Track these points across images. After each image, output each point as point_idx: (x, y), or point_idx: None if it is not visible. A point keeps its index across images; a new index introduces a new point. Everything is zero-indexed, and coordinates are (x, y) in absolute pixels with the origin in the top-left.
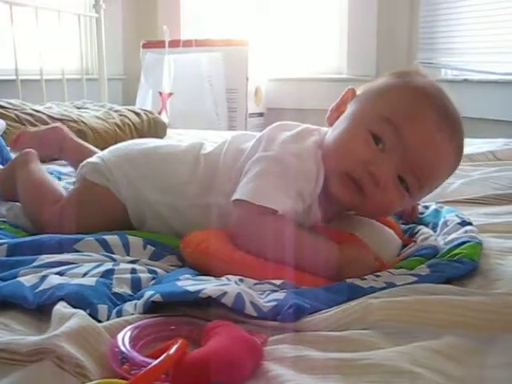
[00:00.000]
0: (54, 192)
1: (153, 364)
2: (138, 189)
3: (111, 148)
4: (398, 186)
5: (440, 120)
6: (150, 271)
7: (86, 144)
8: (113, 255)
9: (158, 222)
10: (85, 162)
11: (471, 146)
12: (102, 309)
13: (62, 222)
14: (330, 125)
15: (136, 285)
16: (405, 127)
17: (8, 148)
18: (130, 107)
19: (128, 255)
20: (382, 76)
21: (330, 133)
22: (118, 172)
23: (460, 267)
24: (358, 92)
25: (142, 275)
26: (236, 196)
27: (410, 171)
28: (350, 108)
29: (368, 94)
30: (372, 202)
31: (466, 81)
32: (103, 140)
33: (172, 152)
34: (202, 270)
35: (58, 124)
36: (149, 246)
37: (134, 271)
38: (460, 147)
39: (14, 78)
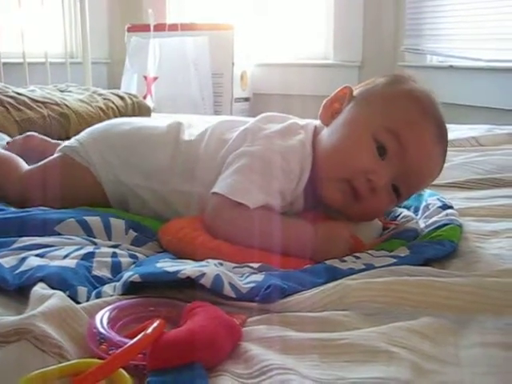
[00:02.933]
0: (19, 163)
1: (129, 343)
2: (117, 173)
3: (88, 129)
4: (391, 193)
5: (438, 134)
6: (131, 256)
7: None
8: (94, 239)
9: (139, 205)
10: (62, 145)
11: (455, 131)
12: (82, 291)
13: (32, 188)
14: (325, 123)
15: (116, 268)
16: (410, 142)
17: None
18: (114, 91)
19: (109, 239)
20: (379, 78)
21: (328, 135)
22: (96, 156)
23: (440, 249)
24: (355, 92)
25: (122, 259)
26: (214, 189)
27: (406, 181)
28: (351, 111)
29: (370, 100)
30: (362, 206)
31: (451, 67)
32: (87, 123)
33: (151, 134)
34: (180, 257)
35: (30, 133)
36: (131, 231)
37: (114, 255)
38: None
39: None
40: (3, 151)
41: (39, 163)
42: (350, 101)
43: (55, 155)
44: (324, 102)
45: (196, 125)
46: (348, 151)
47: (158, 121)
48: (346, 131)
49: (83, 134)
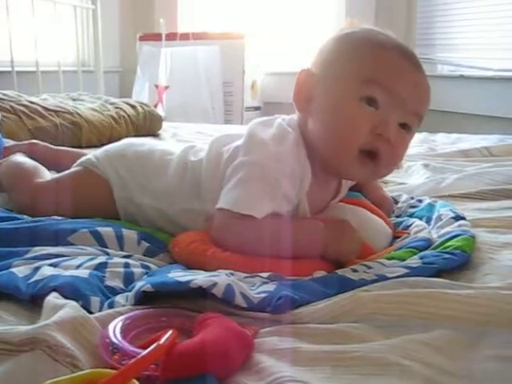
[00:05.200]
0: (38, 171)
1: (142, 354)
2: (129, 191)
3: (105, 147)
4: (402, 133)
5: (410, 63)
6: (143, 266)
7: (66, 149)
8: (107, 249)
9: (148, 224)
10: (81, 159)
11: (466, 142)
12: (95, 300)
13: (45, 199)
14: (304, 111)
15: (129, 279)
16: (390, 80)
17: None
18: (125, 100)
19: (122, 249)
20: (327, 39)
21: (317, 122)
22: (111, 172)
23: (452, 259)
24: (314, 69)
25: (135, 270)
26: (219, 205)
27: (408, 111)
28: (322, 88)
29: (336, 65)
30: (384, 164)
31: (461, 77)
32: (98, 132)
33: (164, 158)
34: (192, 269)
35: (33, 140)
36: (143, 242)
37: (127, 265)
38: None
39: (9, 69)
40: (24, 159)
41: (54, 176)
42: (315, 81)
43: (72, 169)
44: (292, 95)
45: (210, 136)
46: (346, 121)
47: (175, 145)
48: (331, 107)
49: (100, 150)
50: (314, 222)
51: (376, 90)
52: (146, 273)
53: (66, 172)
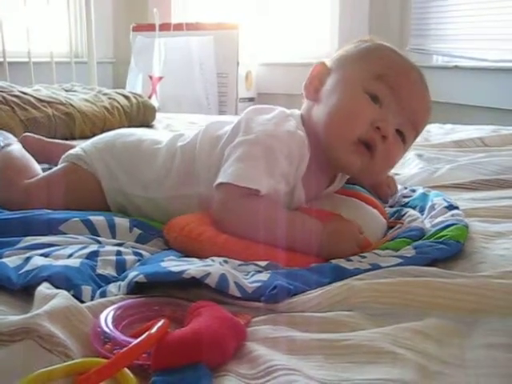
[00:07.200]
0: (29, 168)
1: (134, 343)
2: (119, 182)
3: (94, 139)
4: (398, 140)
5: (420, 78)
6: (136, 253)
7: (57, 141)
8: (98, 238)
9: (139, 214)
10: (67, 153)
11: (460, 132)
12: (86, 290)
13: (37, 198)
14: (312, 100)
15: (121, 267)
16: (399, 82)
17: None
18: (119, 90)
19: (114, 238)
20: (348, 45)
21: (321, 109)
22: (100, 164)
23: (445, 249)
24: (329, 64)
25: (127, 257)
26: (219, 180)
27: (407, 121)
28: (334, 78)
29: (349, 59)
30: (379, 161)
31: (456, 67)
32: (92, 123)
33: (153, 147)
34: (186, 254)
35: (25, 134)
36: (135, 229)
37: (119, 253)
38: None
39: (1, 60)
40: (17, 153)
41: (44, 174)
42: (328, 74)
43: (60, 165)
44: (303, 84)
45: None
46: (347, 110)
47: (164, 134)
48: (338, 94)
49: (88, 143)
50: (312, 221)
51: (382, 88)
52: (139, 260)
53: (55, 169)
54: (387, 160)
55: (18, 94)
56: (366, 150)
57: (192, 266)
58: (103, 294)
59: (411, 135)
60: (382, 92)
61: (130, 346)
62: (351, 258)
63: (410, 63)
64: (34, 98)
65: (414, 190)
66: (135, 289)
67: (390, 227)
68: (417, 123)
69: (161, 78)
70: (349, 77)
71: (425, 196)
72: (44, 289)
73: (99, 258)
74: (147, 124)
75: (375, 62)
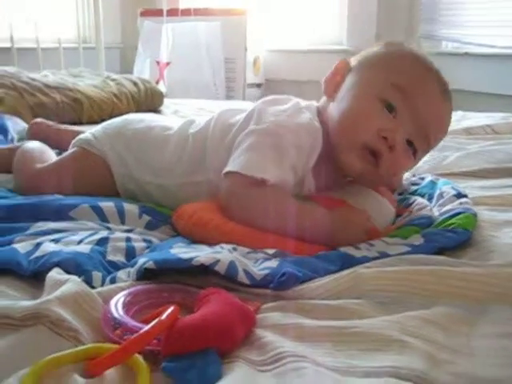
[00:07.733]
0: (43, 154)
1: (144, 329)
2: (129, 168)
3: (104, 124)
4: (407, 150)
5: (443, 90)
6: (145, 240)
7: (67, 127)
8: (108, 224)
9: (148, 200)
10: (77, 138)
11: (470, 119)
12: (97, 276)
13: (47, 183)
14: (329, 97)
15: (130, 253)
16: (416, 94)
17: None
18: (126, 76)
19: (123, 224)
20: (374, 45)
21: (336, 107)
22: (109, 150)
23: (454, 237)
24: (353, 63)
25: (136, 244)
26: (227, 168)
27: (419, 133)
28: (352, 78)
29: (370, 63)
30: (384, 170)
31: (466, 54)
32: (99, 109)
33: (163, 133)
34: (195, 241)
35: (36, 120)
36: (144, 215)
37: (128, 240)
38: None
39: (9, 45)
40: (34, 143)
41: (55, 160)
42: (349, 72)
43: (70, 150)
44: (324, 78)
45: (211, 112)
46: (358, 114)
47: (173, 120)
48: (351, 97)
49: (98, 128)
50: (321, 211)
51: (398, 97)
52: (148, 247)
53: (65, 154)
54: (393, 170)
55: (26, 79)
56: (371, 158)
57: (201, 253)
58: (113, 280)
59: (422, 147)
60: (398, 101)
61: (141, 332)
62: (359, 245)
63: (434, 75)
64: (42, 83)
65: (422, 178)
66: (145, 275)
67: (398, 215)
68: (429, 136)
69: (168, 64)
70: (366, 81)
71: (433, 184)
72: (55, 274)
73: (109, 245)
74: (155, 109)
75: (395, 70)
